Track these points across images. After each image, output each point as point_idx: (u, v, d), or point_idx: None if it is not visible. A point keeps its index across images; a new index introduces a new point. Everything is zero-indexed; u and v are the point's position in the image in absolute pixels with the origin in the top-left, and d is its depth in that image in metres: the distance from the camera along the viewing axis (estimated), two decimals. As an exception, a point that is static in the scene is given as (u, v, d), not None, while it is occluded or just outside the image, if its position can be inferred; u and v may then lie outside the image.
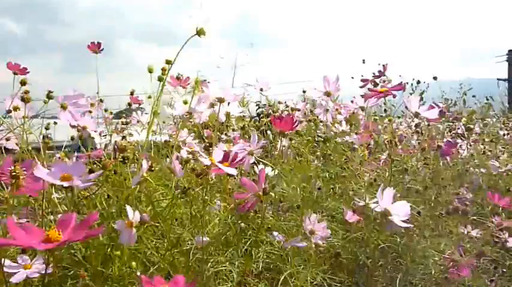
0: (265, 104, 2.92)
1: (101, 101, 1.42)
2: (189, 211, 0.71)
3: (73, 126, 1.07)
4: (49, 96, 0.94)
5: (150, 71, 0.78)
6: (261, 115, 2.39)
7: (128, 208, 0.60)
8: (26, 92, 0.87)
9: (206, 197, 0.67)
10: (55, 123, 1.20)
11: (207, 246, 0.68)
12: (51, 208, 0.70)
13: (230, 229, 0.73)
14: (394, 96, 0.83)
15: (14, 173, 0.53)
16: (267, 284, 0.73)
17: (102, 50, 1.15)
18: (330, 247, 0.85)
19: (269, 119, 1.29)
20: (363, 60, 1.92)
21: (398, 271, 0.92)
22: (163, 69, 0.78)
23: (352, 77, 2.16)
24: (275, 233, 0.75)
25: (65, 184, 0.56)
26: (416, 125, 1.32)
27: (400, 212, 0.69)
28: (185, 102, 0.98)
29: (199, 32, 0.74)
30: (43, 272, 0.59)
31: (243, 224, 0.76)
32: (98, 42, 1.14)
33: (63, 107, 0.92)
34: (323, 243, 0.79)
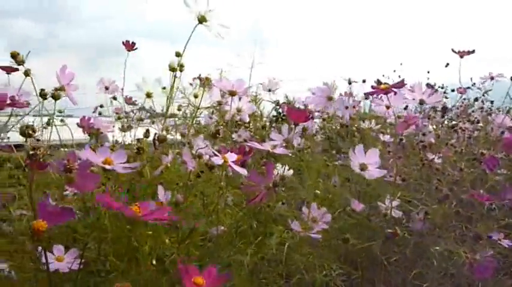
0: (284, 102, 2.99)
1: (115, 98, 1.52)
2: (202, 202, 0.78)
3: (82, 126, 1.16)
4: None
5: (173, 69, 0.86)
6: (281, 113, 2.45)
7: (160, 188, 0.68)
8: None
9: (222, 184, 0.74)
10: (62, 121, 1.30)
11: (220, 237, 0.75)
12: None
13: (242, 221, 0.80)
14: (395, 93, 0.87)
15: (67, 167, 0.59)
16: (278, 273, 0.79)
17: (136, 48, 1.26)
18: (344, 242, 0.91)
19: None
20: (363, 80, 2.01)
21: (411, 268, 0.96)
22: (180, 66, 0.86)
23: (364, 81, 2.21)
24: (293, 222, 0.81)
25: (107, 167, 0.63)
26: (453, 126, 1.37)
27: (372, 160, 0.78)
28: (195, 96, 1.05)
29: (201, 20, 0.80)
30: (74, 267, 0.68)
31: (254, 218, 0.83)
32: (132, 42, 1.26)
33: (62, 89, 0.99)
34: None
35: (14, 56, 0.80)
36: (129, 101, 1.51)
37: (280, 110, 2.92)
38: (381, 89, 0.85)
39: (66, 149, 1.25)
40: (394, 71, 2.40)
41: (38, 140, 1.09)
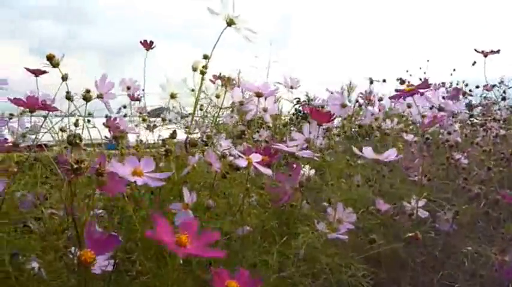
0: (304, 101, 2.98)
1: (138, 99, 1.54)
2: (228, 202, 0.78)
3: (108, 127, 1.17)
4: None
5: (195, 69, 0.86)
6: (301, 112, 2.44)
7: (185, 190, 0.67)
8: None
9: (247, 186, 0.73)
10: (89, 121, 1.32)
11: (246, 237, 0.75)
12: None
13: (267, 221, 0.80)
14: (422, 94, 0.84)
15: (98, 171, 0.58)
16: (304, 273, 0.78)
17: (153, 47, 1.29)
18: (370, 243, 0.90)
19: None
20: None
21: (437, 269, 0.95)
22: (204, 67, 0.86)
23: (384, 80, 2.18)
24: (319, 224, 0.81)
25: (138, 181, 0.61)
26: (482, 125, 1.35)
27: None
28: (217, 96, 1.06)
29: (230, 23, 0.80)
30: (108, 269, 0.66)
31: (278, 218, 0.82)
32: (150, 41, 1.29)
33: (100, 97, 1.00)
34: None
35: (49, 58, 0.82)
36: (132, 98, 1.51)
37: (300, 109, 2.92)
38: (405, 91, 0.83)
39: (90, 149, 1.28)
40: (420, 68, 2.37)
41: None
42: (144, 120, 1.35)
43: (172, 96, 0.91)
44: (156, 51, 1.37)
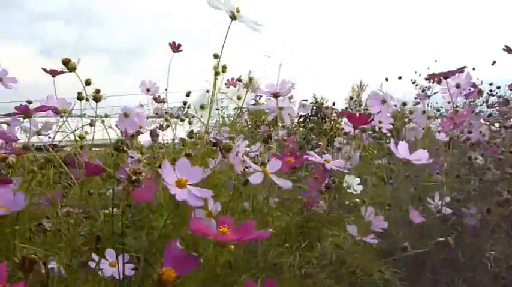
0: (312, 103, 2.95)
1: (156, 100, 1.54)
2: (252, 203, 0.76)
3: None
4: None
5: (217, 72, 0.84)
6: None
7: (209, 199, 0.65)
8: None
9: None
10: (103, 121, 1.31)
11: (270, 238, 0.73)
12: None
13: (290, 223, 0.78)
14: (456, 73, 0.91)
15: (133, 180, 0.53)
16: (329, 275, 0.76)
17: (181, 50, 1.28)
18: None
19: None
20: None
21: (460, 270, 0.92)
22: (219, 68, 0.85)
23: (400, 77, 2.17)
24: (350, 227, 0.78)
25: (179, 196, 0.53)
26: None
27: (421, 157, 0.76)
28: (239, 98, 1.05)
29: (233, 17, 0.79)
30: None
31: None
32: (178, 44, 1.28)
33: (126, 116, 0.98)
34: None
35: (65, 63, 0.81)
36: (158, 100, 1.52)
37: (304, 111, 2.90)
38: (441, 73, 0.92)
39: (98, 149, 1.26)
40: (428, 68, 2.35)
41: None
42: (166, 120, 1.34)
43: (202, 107, 0.90)
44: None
